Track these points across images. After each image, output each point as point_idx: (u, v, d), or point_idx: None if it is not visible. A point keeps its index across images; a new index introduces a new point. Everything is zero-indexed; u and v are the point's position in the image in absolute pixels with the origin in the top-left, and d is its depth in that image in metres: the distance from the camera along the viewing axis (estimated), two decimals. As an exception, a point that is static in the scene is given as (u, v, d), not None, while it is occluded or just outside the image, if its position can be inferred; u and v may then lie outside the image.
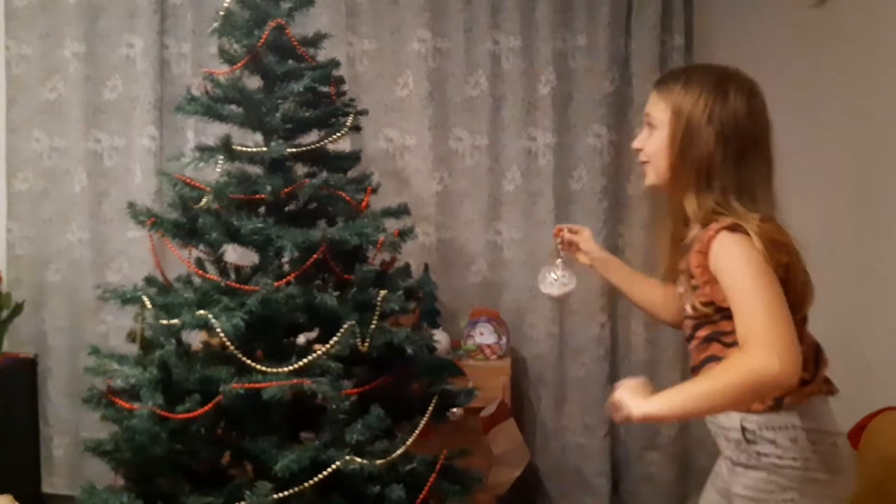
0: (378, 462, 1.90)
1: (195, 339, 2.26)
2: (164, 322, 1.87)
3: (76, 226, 3.17)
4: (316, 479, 1.86)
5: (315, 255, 1.96)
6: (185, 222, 2.03)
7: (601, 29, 3.05)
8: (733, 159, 1.44)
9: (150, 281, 2.08)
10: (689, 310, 1.49)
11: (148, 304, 1.91)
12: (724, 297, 1.36)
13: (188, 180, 2.02)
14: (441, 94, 3.11)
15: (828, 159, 3.07)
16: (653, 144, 1.51)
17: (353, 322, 2.00)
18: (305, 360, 1.92)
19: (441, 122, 3.12)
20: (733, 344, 1.35)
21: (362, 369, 2.11)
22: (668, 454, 3.11)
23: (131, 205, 2.05)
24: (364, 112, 2.25)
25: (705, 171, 1.43)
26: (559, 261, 1.86)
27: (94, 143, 3.15)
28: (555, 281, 1.86)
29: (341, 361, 1.97)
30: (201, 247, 2.13)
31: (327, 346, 1.96)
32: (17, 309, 3.15)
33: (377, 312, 2.05)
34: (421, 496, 2.03)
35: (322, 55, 2.25)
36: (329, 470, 1.85)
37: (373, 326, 2.03)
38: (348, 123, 2.19)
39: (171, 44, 3.14)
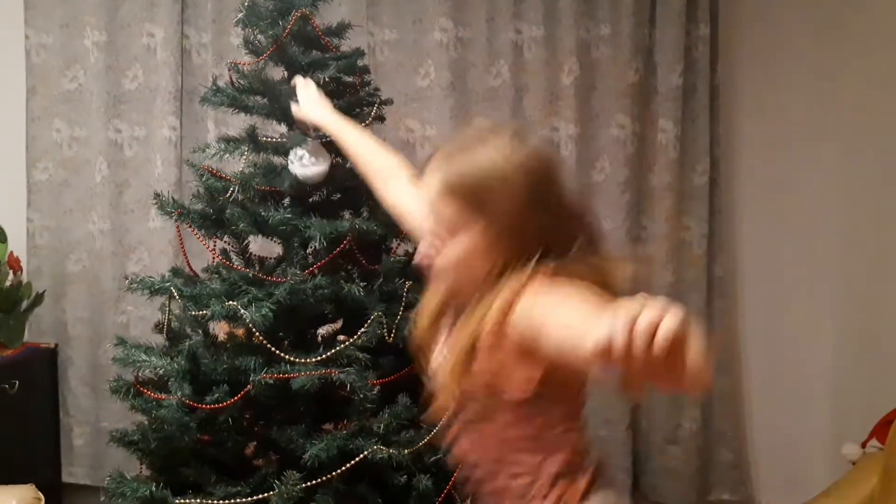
0: (406, 451, 1.90)
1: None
2: (195, 313, 1.86)
3: (97, 216, 3.16)
4: (344, 467, 1.86)
5: (342, 246, 1.95)
6: (212, 213, 2.02)
7: (625, 18, 3.01)
8: None
9: (176, 272, 2.08)
10: None
11: (176, 294, 1.90)
12: None
13: (214, 171, 2.00)
14: (462, 84, 3.08)
15: (850, 150, 3.05)
16: None
17: (380, 313, 1.99)
18: (333, 351, 1.92)
19: (462, 112, 3.09)
20: None
21: (387, 359, 2.10)
22: (689, 448, 3.09)
23: (157, 195, 2.04)
24: (388, 102, 2.24)
25: None
26: (308, 140, 1.94)
27: (115, 133, 3.15)
28: (300, 159, 1.94)
29: (367, 352, 1.97)
30: (226, 238, 2.13)
31: (355, 336, 1.96)
32: (38, 299, 3.15)
33: (403, 303, 2.04)
34: (447, 487, 2.02)
35: (344, 45, 2.24)
36: (358, 459, 1.84)
37: (399, 317, 2.02)
38: (373, 113, 2.17)
39: (191, 33, 3.13)
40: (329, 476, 1.87)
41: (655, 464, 3.13)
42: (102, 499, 3.18)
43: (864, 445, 2.65)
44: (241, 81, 2.07)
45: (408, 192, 1.48)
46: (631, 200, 3.06)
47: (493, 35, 3.06)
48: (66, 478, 3.24)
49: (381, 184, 1.59)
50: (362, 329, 1.97)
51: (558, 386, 1.16)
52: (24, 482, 2.42)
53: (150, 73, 3.11)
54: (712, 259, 3.09)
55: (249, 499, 1.90)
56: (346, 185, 2.09)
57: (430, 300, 1.27)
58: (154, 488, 1.85)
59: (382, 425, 1.89)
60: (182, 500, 1.87)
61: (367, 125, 2.12)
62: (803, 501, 2.41)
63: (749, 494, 3.19)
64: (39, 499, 2.39)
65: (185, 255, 2.13)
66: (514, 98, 3.07)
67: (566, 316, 1.02)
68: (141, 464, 2.07)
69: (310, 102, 1.83)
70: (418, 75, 3.09)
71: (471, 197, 1.13)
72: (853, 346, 3.08)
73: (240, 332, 2.13)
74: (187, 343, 1.89)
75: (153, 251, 3.13)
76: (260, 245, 2.37)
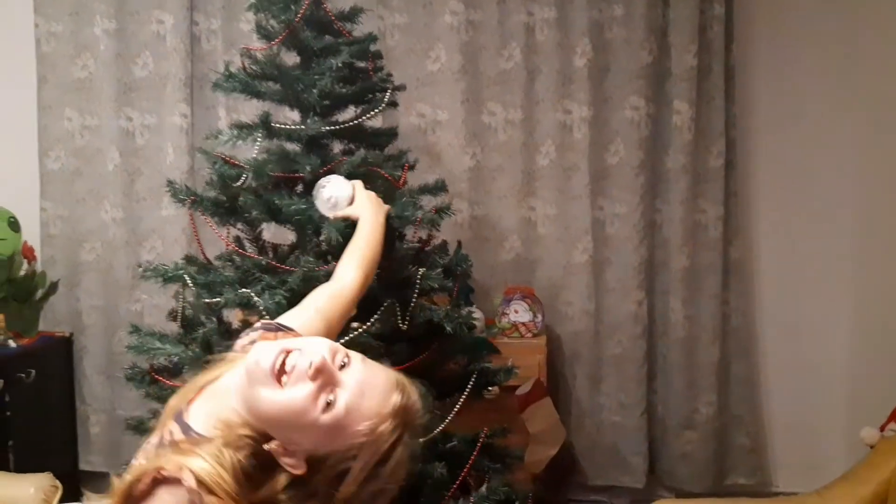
0: (420, 439, 1.89)
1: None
2: (208, 300, 1.85)
3: (109, 204, 3.17)
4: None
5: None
6: (225, 200, 2.00)
7: (638, -2, 2.97)
8: None
9: (190, 260, 2.07)
10: None
11: (190, 282, 1.89)
12: None
13: (228, 158, 1.99)
14: (474, 67, 3.05)
15: (869, 131, 3.00)
16: None
17: (394, 300, 1.97)
18: (346, 339, 1.90)
19: (474, 96, 3.06)
20: None
21: (401, 347, 2.09)
22: (705, 432, 3.07)
23: (171, 183, 2.03)
24: (402, 87, 2.21)
25: None
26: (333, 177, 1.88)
27: (126, 121, 3.14)
28: (332, 206, 1.86)
29: (380, 339, 1.95)
30: (239, 225, 2.12)
31: (368, 323, 1.94)
32: (52, 288, 3.17)
33: (417, 290, 2.02)
34: (462, 474, 2.01)
35: (355, 30, 2.21)
36: (373, 448, 1.83)
37: (412, 304, 2.00)
38: (386, 99, 2.14)
39: (200, 20, 3.11)
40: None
41: (671, 449, 3.12)
42: (120, 486, 3.20)
43: (882, 429, 2.62)
44: (254, 67, 2.05)
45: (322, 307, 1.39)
46: (645, 183, 3.03)
47: (505, 17, 3.03)
48: (83, 465, 3.27)
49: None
50: (375, 316, 1.95)
51: None
52: (43, 470, 2.44)
53: (159, 60, 3.10)
54: (728, 242, 3.06)
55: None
56: (359, 172, 2.06)
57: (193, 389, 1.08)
58: (171, 476, 1.85)
59: (397, 412, 1.88)
60: (199, 488, 1.87)
61: (380, 111, 2.10)
62: (821, 486, 2.39)
63: (766, 479, 3.17)
64: (57, 487, 2.41)
65: (198, 242, 2.12)
66: (526, 81, 3.04)
67: None
68: (157, 452, 2.07)
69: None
70: (429, 59, 3.07)
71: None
72: (871, 329, 3.05)
73: (253, 319, 2.12)
74: (201, 331, 1.89)
75: (166, 239, 3.14)
76: (272, 232, 2.36)
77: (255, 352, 1.00)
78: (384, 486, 0.99)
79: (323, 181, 1.87)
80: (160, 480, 0.93)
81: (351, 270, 1.57)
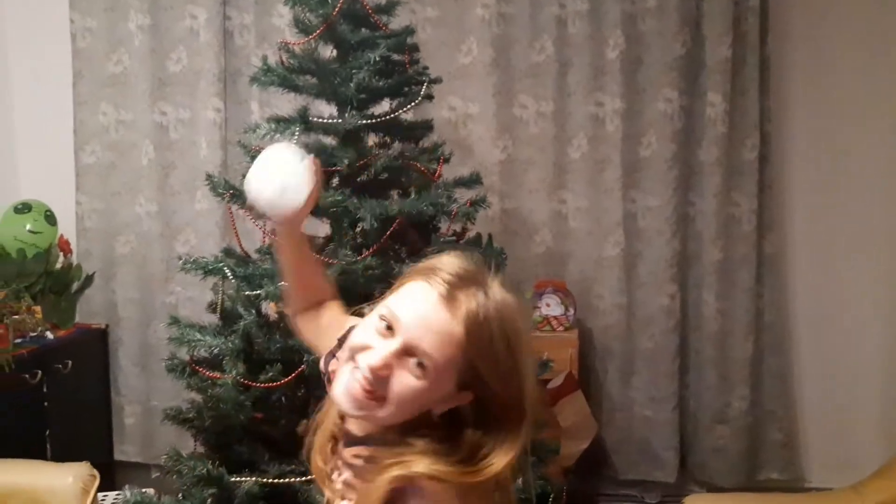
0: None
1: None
2: (248, 293, 1.87)
3: (144, 198, 3.20)
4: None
5: (393, 226, 1.94)
6: (262, 193, 2.02)
7: (672, -11, 2.94)
8: None
9: (228, 252, 2.09)
10: None
11: (229, 274, 1.91)
12: None
13: (265, 151, 2.00)
14: (505, 60, 3.04)
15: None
16: None
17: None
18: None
19: (505, 89, 3.06)
20: None
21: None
22: (738, 427, 3.05)
23: (209, 176, 2.05)
24: (438, 80, 2.22)
25: None
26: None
27: (160, 115, 3.17)
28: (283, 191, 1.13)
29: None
30: (276, 218, 2.13)
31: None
32: (88, 280, 3.21)
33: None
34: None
35: (391, 24, 2.22)
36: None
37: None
38: (422, 92, 2.15)
39: (233, 15, 3.13)
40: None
41: (703, 443, 3.10)
42: (155, 476, 3.25)
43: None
44: (292, 61, 2.06)
45: (333, 314, 1.27)
46: (679, 176, 3.01)
47: (536, 10, 3.02)
48: (118, 456, 3.31)
49: (305, 299, 1.30)
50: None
51: None
52: (78, 460, 2.47)
53: (193, 55, 3.12)
54: (762, 236, 3.03)
55: (303, 478, 1.92)
56: (395, 165, 2.07)
57: (330, 418, 1.05)
58: (210, 466, 1.87)
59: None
60: (237, 478, 1.90)
61: (416, 104, 2.11)
62: (855, 482, 2.36)
63: (799, 474, 3.14)
64: (95, 476, 2.43)
65: (236, 235, 2.14)
66: (557, 73, 3.03)
67: None
68: (195, 441, 2.10)
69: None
70: (460, 52, 3.06)
71: (475, 352, 0.94)
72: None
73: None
74: (242, 323, 1.91)
75: (200, 233, 3.17)
76: (305, 225, 2.37)
77: (336, 390, 0.97)
78: (527, 361, 0.97)
79: (258, 162, 1.13)
80: (400, 493, 0.92)
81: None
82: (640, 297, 3.07)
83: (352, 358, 0.95)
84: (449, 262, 0.98)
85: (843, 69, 3.01)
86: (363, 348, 0.94)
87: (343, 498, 1.00)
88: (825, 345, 3.12)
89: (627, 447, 3.13)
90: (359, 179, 2.14)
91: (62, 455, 2.71)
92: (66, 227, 3.18)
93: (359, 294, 2.04)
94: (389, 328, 0.93)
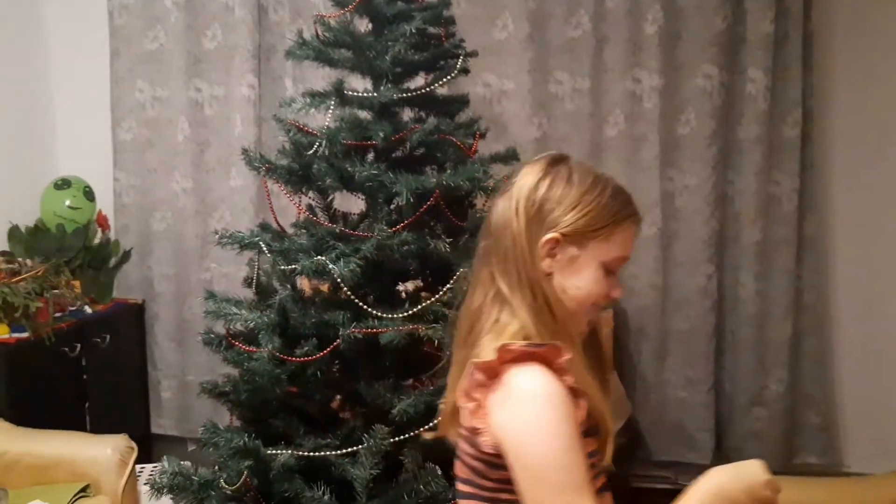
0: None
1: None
2: (284, 267, 1.87)
3: (179, 175, 3.23)
4: (431, 423, 1.86)
5: (430, 201, 1.93)
6: (298, 168, 2.02)
7: (713, -38, 2.87)
8: None
9: (264, 227, 2.09)
10: None
11: (265, 249, 1.92)
12: None
13: (302, 126, 2.00)
14: (541, 35, 3.00)
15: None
16: None
17: (466, 269, 1.96)
18: (420, 307, 1.91)
19: (541, 65, 3.01)
20: None
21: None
22: (775, 410, 3.00)
23: (245, 151, 2.05)
24: (474, 54, 2.19)
25: None
26: None
27: (195, 92, 3.19)
28: None
29: (452, 308, 1.95)
30: (310, 193, 2.13)
31: (441, 292, 1.94)
32: (126, 256, 3.25)
33: (489, 260, 2.01)
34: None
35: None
36: (446, 416, 1.84)
37: (484, 274, 1.99)
38: (458, 65, 2.12)
39: (267, -10, 3.13)
40: (417, 431, 1.87)
41: (739, 426, 3.06)
42: (191, 448, 3.30)
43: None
44: (327, 34, 2.05)
45: None
46: (717, 154, 2.95)
47: (573, -17, 2.96)
48: (154, 429, 3.36)
49: None
50: (448, 285, 1.95)
51: None
52: (116, 432, 2.52)
53: (228, 31, 3.12)
54: (802, 216, 2.96)
55: (338, 451, 1.92)
56: (431, 140, 2.05)
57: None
58: (246, 439, 1.89)
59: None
60: (273, 450, 1.91)
61: (452, 78, 2.08)
62: (895, 468, 2.31)
63: (837, 459, 3.09)
64: (133, 448, 2.48)
65: (272, 210, 2.14)
66: (594, 49, 2.97)
67: (542, 473, 0.99)
68: (231, 414, 2.12)
69: None
70: (496, 27, 3.02)
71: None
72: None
73: (324, 287, 2.15)
74: (277, 297, 1.91)
75: (234, 209, 3.18)
76: (339, 200, 2.37)
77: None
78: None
79: None
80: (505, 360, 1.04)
81: None
82: (677, 278, 3.03)
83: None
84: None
85: (889, 45, 2.92)
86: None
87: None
88: (866, 328, 3.06)
89: (662, 429, 3.10)
90: (394, 154, 2.13)
91: (101, 427, 2.76)
92: (105, 203, 3.22)
93: (394, 269, 2.05)
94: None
